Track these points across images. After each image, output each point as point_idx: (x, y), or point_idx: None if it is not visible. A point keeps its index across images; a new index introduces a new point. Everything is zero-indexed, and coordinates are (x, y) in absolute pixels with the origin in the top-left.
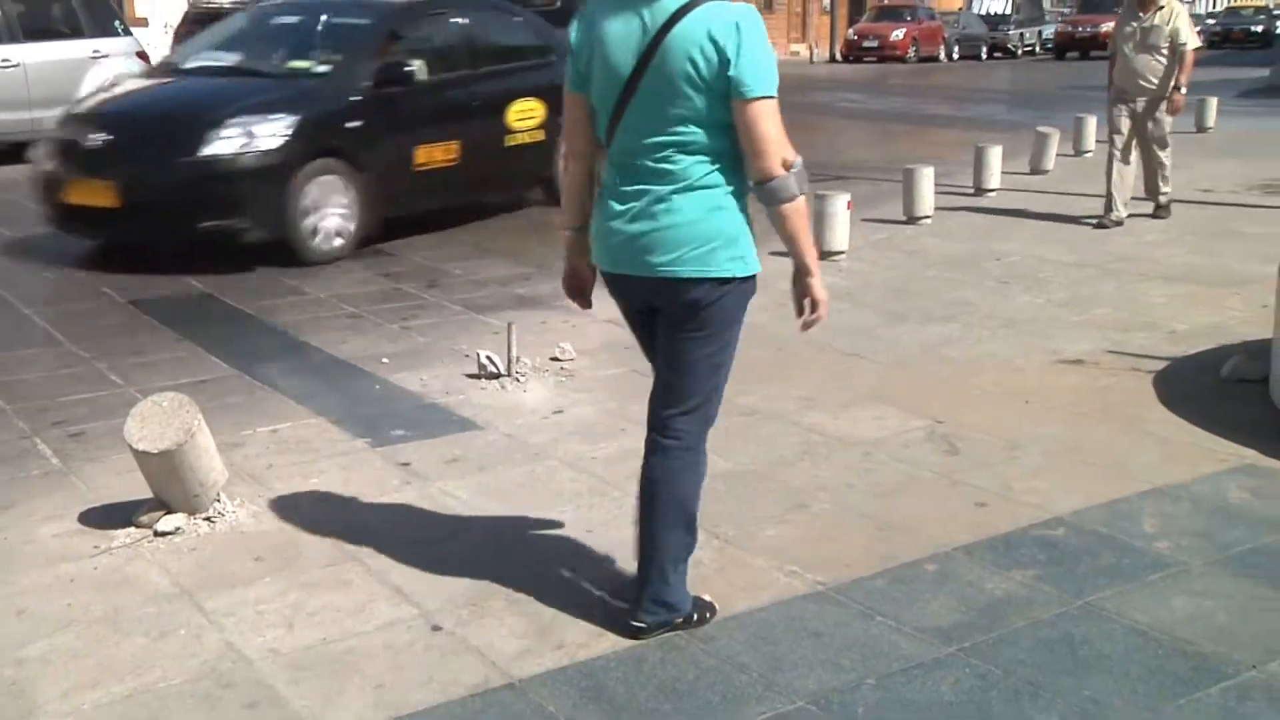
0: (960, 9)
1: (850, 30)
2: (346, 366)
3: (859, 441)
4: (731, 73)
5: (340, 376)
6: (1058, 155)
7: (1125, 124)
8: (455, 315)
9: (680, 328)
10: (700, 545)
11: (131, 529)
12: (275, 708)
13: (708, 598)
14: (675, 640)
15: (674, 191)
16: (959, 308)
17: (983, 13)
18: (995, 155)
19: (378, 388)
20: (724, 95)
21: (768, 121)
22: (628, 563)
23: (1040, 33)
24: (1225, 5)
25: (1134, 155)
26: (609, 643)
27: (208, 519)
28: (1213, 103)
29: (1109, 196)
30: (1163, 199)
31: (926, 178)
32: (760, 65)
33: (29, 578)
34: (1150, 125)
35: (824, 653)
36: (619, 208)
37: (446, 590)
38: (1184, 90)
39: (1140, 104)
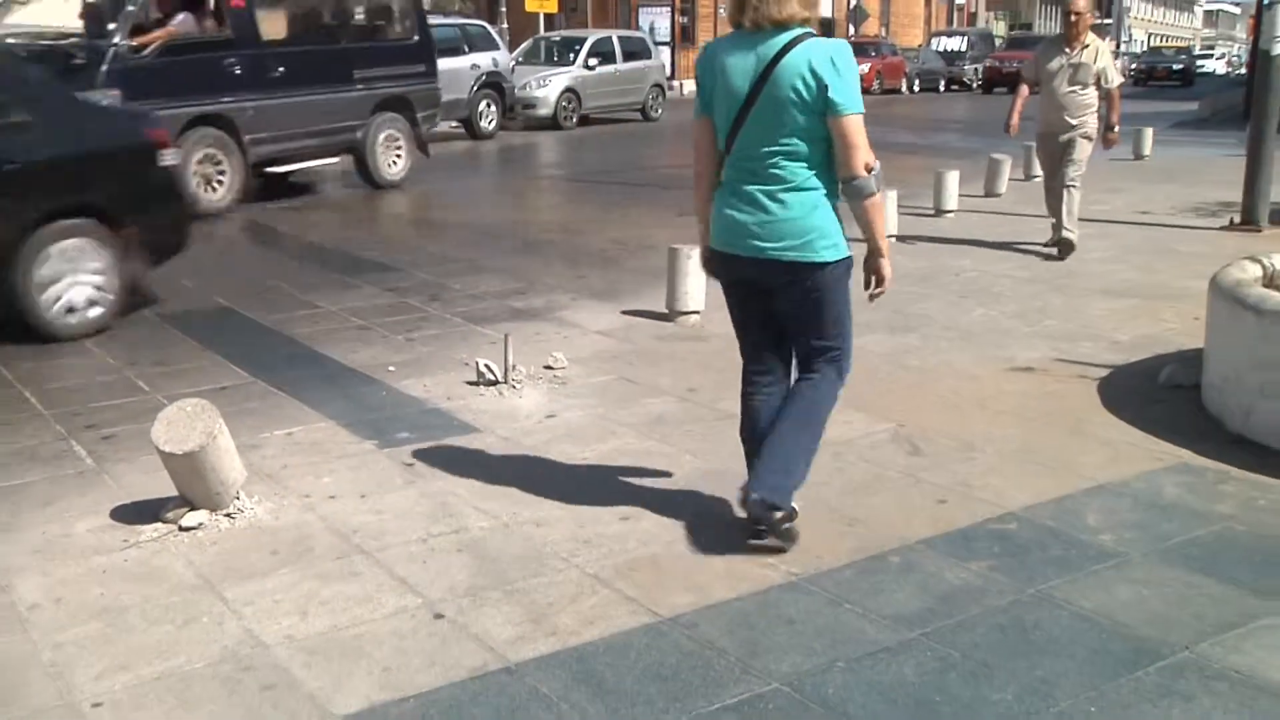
0: (920, 46)
1: None
2: (355, 374)
3: (829, 443)
4: (829, 94)
5: (350, 384)
6: (1010, 180)
7: (1048, 158)
8: (456, 327)
9: (795, 301)
10: (683, 539)
11: (158, 524)
12: (290, 689)
13: (797, 505)
14: (660, 627)
15: (782, 191)
16: (920, 320)
17: (941, 49)
18: (953, 179)
19: (384, 394)
20: (821, 113)
21: (854, 132)
22: (616, 554)
23: None
24: (1148, 46)
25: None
26: (599, 630)
27: (228, 515)
28: (1149, 132)
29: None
30: (1066, 234)
31: (890, 200)
32: (850, 88)
33: (65, 569)
34: (1069, 159)
35: (797, 638)
36: (736, 202)
37: (448, 581)
38: (1117, 128)
39: (1064, 138)
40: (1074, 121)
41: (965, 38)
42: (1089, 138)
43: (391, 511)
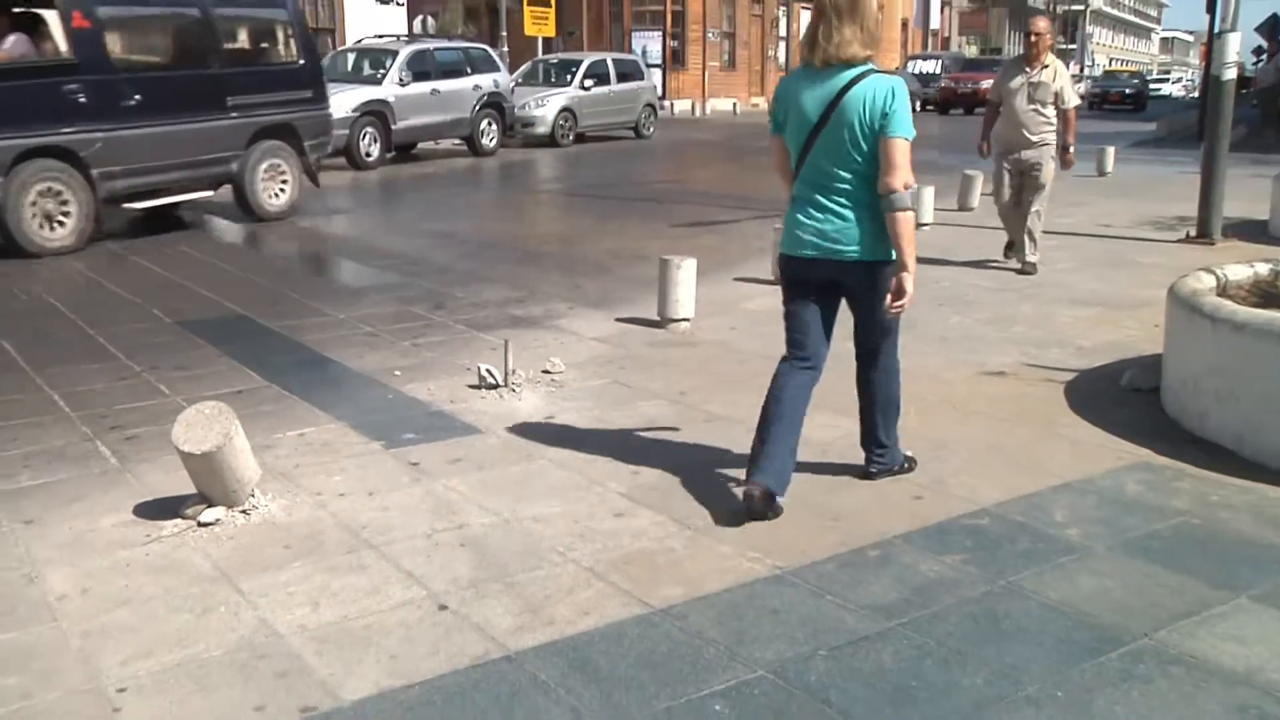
0: (898, 69)
1: None
2: (363, 379)
3: (812, 443)
4: (887, 117)
5: (358, 387)
6: (981, 194)
7: (1008, 176)
8: (459, 333)
9: (859, 293)
10: (674, 534)
11: (178, 520)
12: (303, 675)
13: (910, 453)
14: (651, 618)
15: (847, 203)
16: (901, 324)
17: (917, 72)
18: (929, 194)
19: (390, 397)
20: (874, 134)
21: (899, 153)
22: (610, 549)
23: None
24: (1103, 70)
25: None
26: (594, 620)
27: (244, 511)
28: (1111, 150)
29: (1017, 245)
30: (1030, 259)
31: None
32: (903, 115)
33: (91, 561)
34: (1036, 184)
35: (782, 628)
36: (804, 212)
37: (451, 574)
38: (1073, 148)
39: (1023, 155)
40: (1033, 139)
41: (939, 61)
42: (1053, 159)
43: (398, 508)
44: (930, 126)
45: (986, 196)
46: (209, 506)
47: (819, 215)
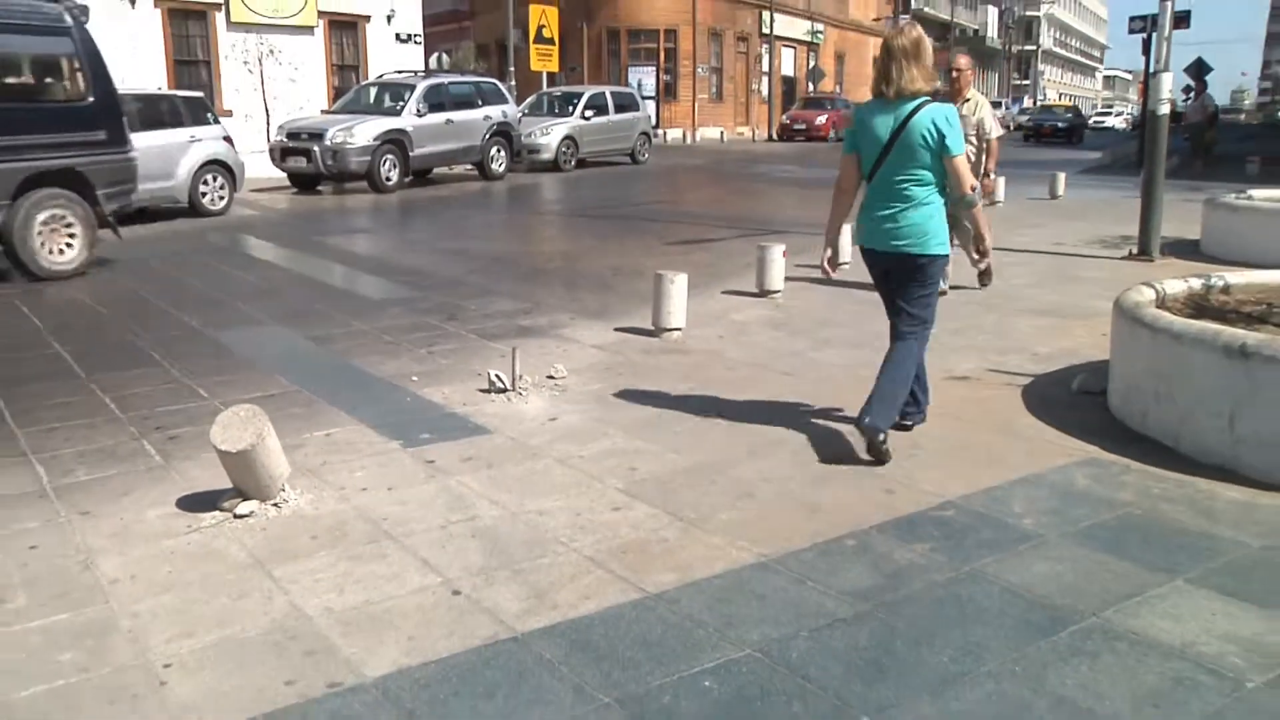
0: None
1: (784, 116)
2: (384, 384)
3: (795, 442)
4: (945, 141)
5: (379, 392)
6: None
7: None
8: (470, 342)
9: (902, 280)
10: (667, 525)
11: (216, 512)
12: (329, 654)
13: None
14: (646, 602)
15: (909, 206)
16: (872, 336)
17: None
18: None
19: (408, 400)
20: (939, 153)
21: (962, 167)
22: (609, 539)
23: None
24: (1039, 104)
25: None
26: (594, 604)
27: (275, 505)
28: (1062, 176)
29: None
30: (983, 265)
31: (845, 232)
32: (957, 137)
33: (139, 550)
34: (960, 205)
35: (766, 611)
36: (879, 212)
37: (463, 562)
38: (993, 175)
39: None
40: None
41: None
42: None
43: (415, 502)
44: None
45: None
46: (244, 500)
47: (882, 215)
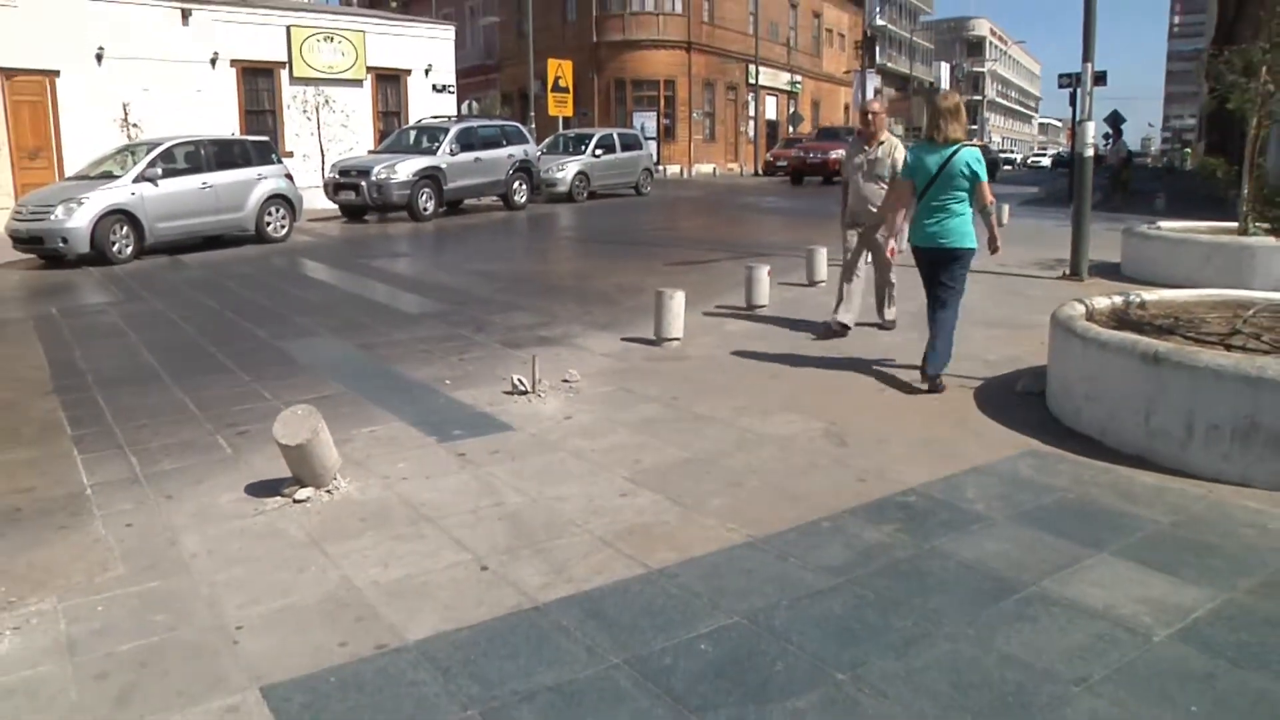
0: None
1: (768, 154)
2: (421, 387)
3: (777, 438)
4: (975, 171)
5: (416, 394)
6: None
7: (854, 242)
8: (496, 350)
9: (944, 265)
10: (668, 510)
11: (278, 498)
12: (376, 620)
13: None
14: (650, 576)
15: (950, 215)
16: (846, 343)
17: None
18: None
19: (442, 401)
20: (972, 180)
21: (987, 188)
22: (618, 522)
23: None
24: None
25: (863, 271)
26: (605, 578)
27: (328, 492)
28: (1007, 206)
29: (838, 303)
30: (888, 315)
31: (822, 254)
32: (983, 168)
33: (214, 529)
34: (876, 245)
35: (754, 584)
36: (927, 219)
37: (491, 542)
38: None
39: (866, 225)
40: (874, 210)
41: None
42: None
43: (449, 490)
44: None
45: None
46: (301, 487)
47: (929, 221)
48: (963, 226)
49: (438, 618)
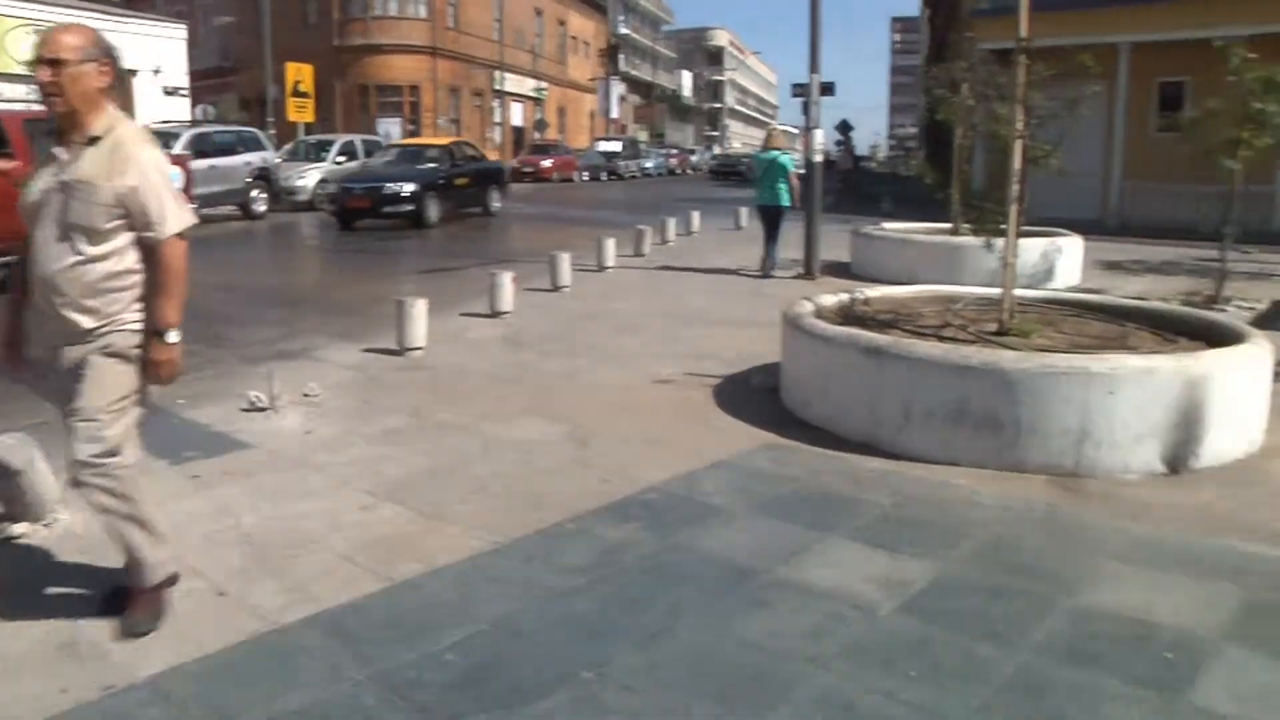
0: (587, 147)
1: (515, 159)
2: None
3: (521, 442)
4: (784, 168)
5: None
6: (651, 244)
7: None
8: (233, 366)
9: (778, 220)
10: (410, 520)
11: None
12: (102, 661)
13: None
14: (394, 590)
15: (785, 188)
16: (587, 348)
17: (602, 150)
18: (611, 244)
19: (175, 422)
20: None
21: (794, 178)
22: (360, 536)
23: (640, 164)
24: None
25: None
26: (348, 594)
27: (45, 525)
28: (744, 210)
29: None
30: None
31: (565, 260)
32: (790, 163)
33: None
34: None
35: (500, 589)
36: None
37: (227, 565)
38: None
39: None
40: None
41: (620, 142)
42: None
43: (181, 514)
44: (612, 193)
45: (655, 245)
46: (14, 523)
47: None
48: (784, 194)
49: (171, 651)
